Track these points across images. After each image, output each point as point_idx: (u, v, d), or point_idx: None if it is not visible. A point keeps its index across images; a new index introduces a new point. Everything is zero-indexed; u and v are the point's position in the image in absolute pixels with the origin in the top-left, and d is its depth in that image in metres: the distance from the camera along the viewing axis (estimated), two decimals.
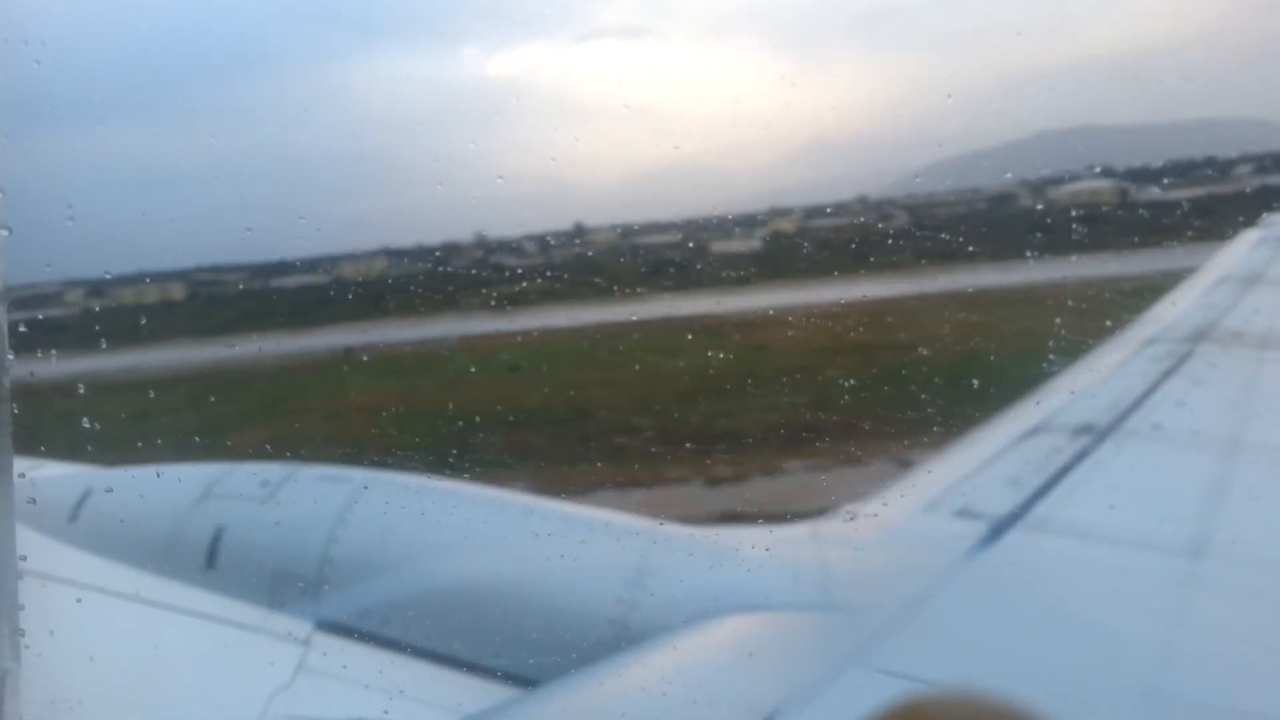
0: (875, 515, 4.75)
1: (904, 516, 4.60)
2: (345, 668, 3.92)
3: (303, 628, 4.05)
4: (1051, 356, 6.39)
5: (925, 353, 6.65)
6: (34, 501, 4.48)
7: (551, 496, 4.53)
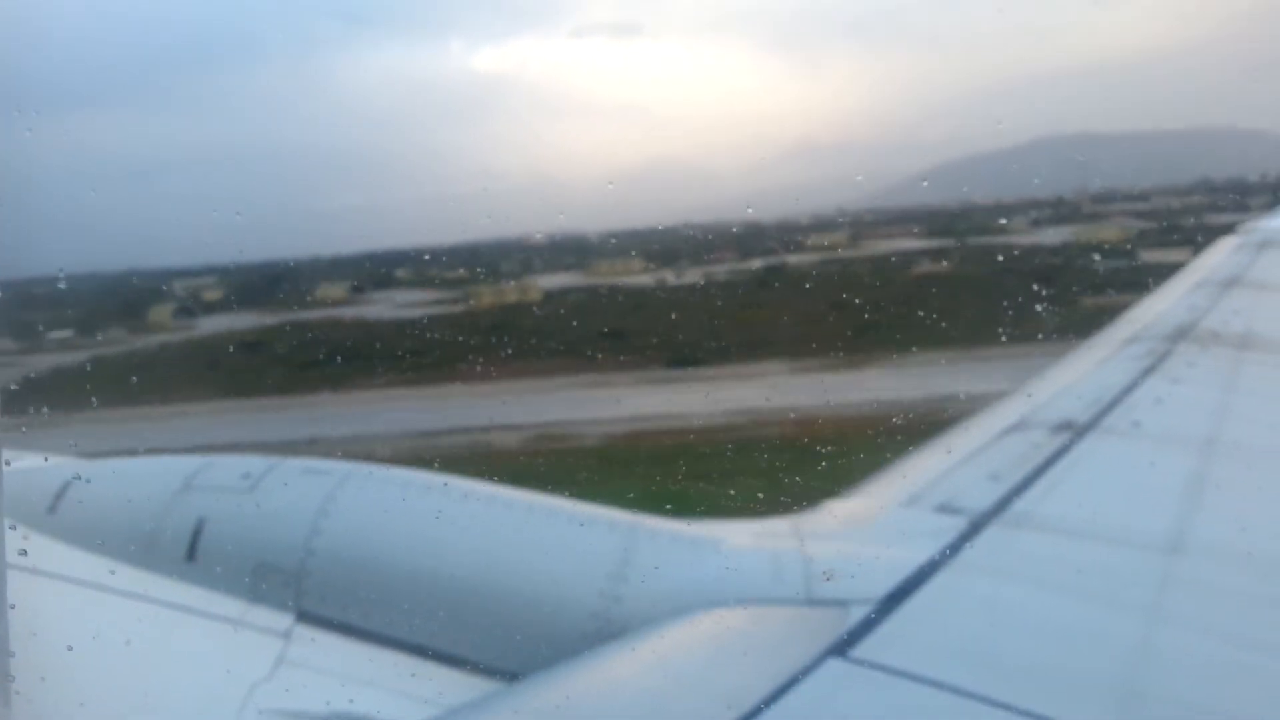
0: (857, 510, 4.77)
1: (885, 511, 4.62)
2: (326, 661, 3.91)
3: (284, 620, 4.04)
4: None
5: None
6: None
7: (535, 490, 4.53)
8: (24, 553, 3.74)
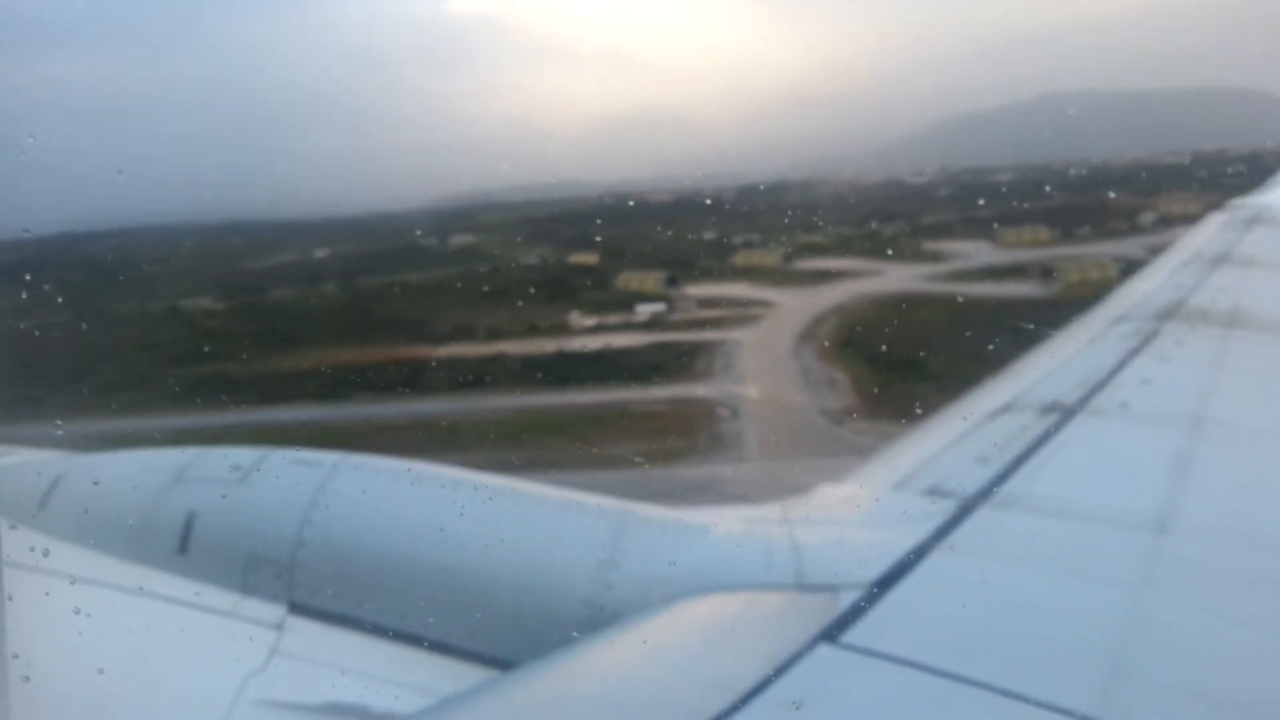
0: (846, 494, 4.79)
1: (874, 495, 4.64)
2: (319, 651, 3.92)
3: (276, 612, 4.04)
4: None
5: None
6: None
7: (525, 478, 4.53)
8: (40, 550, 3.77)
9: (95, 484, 4.57)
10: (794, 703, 2.90)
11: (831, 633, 3.30)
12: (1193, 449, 5.03)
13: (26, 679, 2.72)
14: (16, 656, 2.55)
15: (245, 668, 3.76)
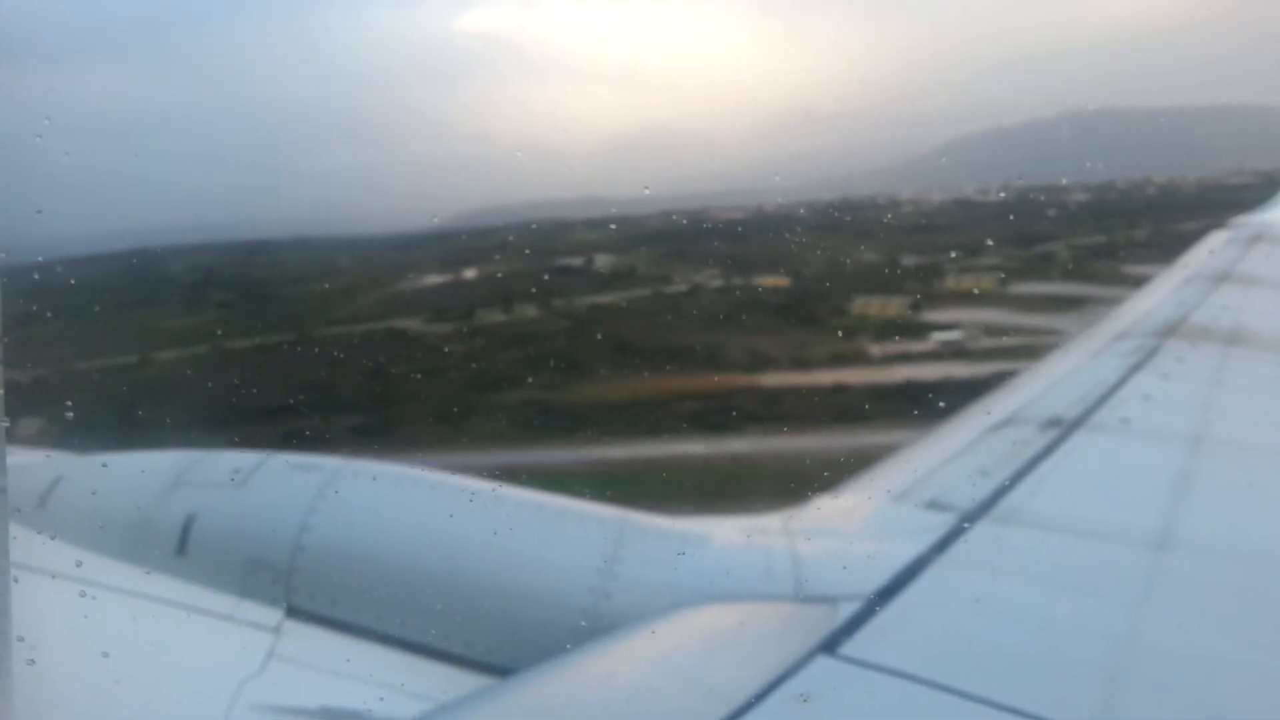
0: (846, 506, 4.79)
1: (874, 507, 4.64)
2: (316, 656, 3.92)
3: (274, 615, 4.04)
4: None
5: None
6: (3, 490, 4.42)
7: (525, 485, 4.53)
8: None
9: (95, 485, 4.57)
10: (801, 695, 2.91)
11: (830, 644, 3.30)
12: (1193, 466, 5.03)
13: (32, 662, 2.72)
14: (21, 639, 2.55)
15: (242, 671, 3.76)
